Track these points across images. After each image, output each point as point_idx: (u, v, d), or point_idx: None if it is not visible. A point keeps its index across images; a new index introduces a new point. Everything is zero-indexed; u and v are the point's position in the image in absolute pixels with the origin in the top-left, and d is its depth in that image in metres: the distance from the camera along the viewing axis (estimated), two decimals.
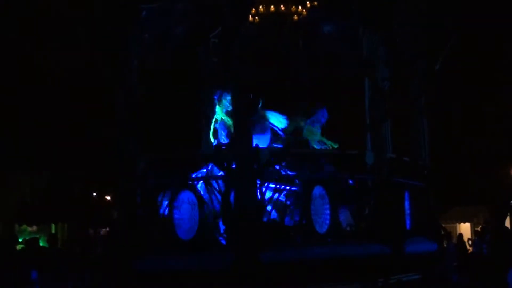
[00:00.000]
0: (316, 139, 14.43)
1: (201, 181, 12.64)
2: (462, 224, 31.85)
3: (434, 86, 15.28)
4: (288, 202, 12.59)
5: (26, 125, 23.77)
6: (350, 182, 13.18)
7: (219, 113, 13.82)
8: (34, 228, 27.29)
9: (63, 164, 25.78)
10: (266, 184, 12.17)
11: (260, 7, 14.23)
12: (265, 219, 12.17)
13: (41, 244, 18.81)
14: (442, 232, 16.42)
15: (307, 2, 14.29)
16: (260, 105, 13.62)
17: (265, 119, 13.87)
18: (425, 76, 14.93)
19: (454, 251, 20.10)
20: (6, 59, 22.85)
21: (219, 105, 13.81)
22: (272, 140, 13.84)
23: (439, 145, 16.22)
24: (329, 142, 14.45)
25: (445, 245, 17.52)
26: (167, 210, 12.30)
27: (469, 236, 26.90)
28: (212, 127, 13.92)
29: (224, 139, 13.64)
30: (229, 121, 13.51)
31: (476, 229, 28.79)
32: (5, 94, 23.25)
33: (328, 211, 12.46)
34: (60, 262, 15.42)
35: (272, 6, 14.24)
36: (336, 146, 14.39)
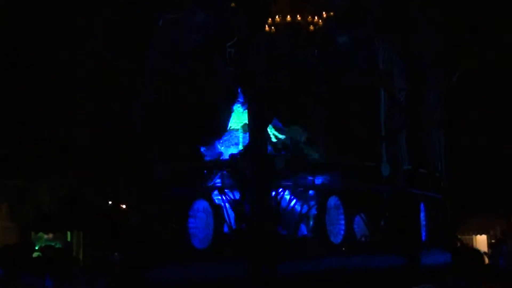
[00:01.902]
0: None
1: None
2: (478, 236, 31.62)
3: (451, 97, 15.24)
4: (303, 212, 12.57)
5: (44, 134, 23.91)
6: None
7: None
8: (50, 235, 27.41)
9: (80, 173, 25.90)
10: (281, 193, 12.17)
11: (277, 17, 14.25)
12: (280, 229, 12.16)
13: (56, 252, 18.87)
14: (458, 244, 16.34)
15: (323, 13, 14.29)
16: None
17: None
18: (442, 88, 14.89)
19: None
20: (27, 68, 23.01)
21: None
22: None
23: (456, 157, 16.12)
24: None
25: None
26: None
27: (485, 249, 26.66)
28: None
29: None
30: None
31: (492, 241, 28.57)
32: (25, 104, 23.40)
33: (343, 222, 12.44)
34: (75, 269, 15.49)
35: (288, 16, 14.26)
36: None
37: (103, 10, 13.72)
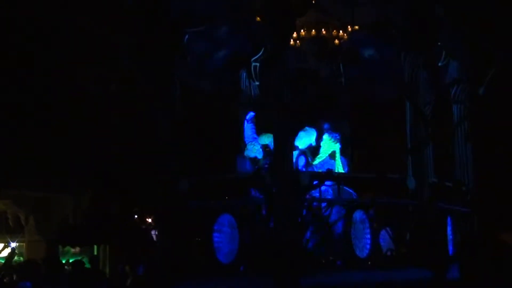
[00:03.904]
0: None
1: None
2: None
3: (478, 109, 15.13)
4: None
5: (69, 148, 24.06)
6: None
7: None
8: (77, 249, 27.51)
9: (105, 186, 26.01)
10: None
11: (302, 31, 14.27)
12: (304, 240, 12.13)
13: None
14: None
15: (348, 26, 14.29)
16: None
17: None
18: (468, 100, 14.80)
19: None
20: (49, 84, 23.21)
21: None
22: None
23: (483, 170, 15.98)
24: None
25: None
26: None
27: None
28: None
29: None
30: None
31: None
32: (47, 117, 23.58)
33: (368, 236, 12.39)
34: (102, 283, 15.53)
35: (313, 30, 14.27)
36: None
37: (129, 26, 13.81)
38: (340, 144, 14.37)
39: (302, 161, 14.06)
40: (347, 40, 14.34)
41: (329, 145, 14.33)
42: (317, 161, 14.24)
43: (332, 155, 14.34)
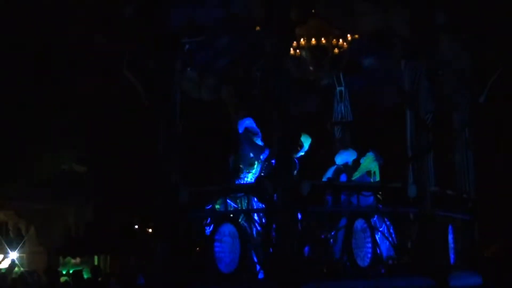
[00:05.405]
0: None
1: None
2: None
3: (479, 118, 15.13)
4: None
5: (70, 159, 24.10)
6: None
7: None
8: (78, 260, 27.52)
9: (106, 197, 26.04)
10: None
11: (301, 40, 14.27)
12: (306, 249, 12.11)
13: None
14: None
15: (348, 35, 14.29)
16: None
17: None
18: (469, 108, 14.80)
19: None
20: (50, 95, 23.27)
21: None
22: None
23: (484, 177, 15.98)
24: None
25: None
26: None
27: None
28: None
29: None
30: None
31: None
32: (49, 128, 23.62)
33: (370, 245, 12.35)
34: None
35: (313, 39, 14.27)
36: None
37: (129, 36, 13.82)
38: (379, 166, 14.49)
39: (343, 178, 14.11)
40: (347, 49, 14.34)
41: (369, 164, 14.44)
42: (354, 177, 14.27)
43: (369, 174, 14.46)
